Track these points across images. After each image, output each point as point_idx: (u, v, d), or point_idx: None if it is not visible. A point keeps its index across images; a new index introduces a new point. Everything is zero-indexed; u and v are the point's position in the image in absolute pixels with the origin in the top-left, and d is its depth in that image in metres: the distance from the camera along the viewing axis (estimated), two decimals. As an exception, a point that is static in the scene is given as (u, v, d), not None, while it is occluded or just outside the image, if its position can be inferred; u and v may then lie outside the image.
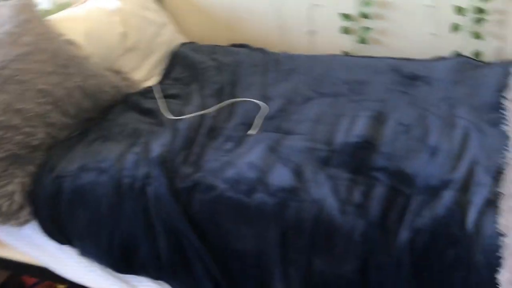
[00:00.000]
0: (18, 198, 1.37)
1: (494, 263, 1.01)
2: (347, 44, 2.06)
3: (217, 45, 2.07)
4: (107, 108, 1.66)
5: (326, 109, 1.57)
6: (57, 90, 1.48)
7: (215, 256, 1.25)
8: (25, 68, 1.44)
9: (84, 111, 1.58)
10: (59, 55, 1.53)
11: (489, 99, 1.50)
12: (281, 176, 1.28)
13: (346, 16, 2.00)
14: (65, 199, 1.36)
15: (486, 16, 1.84)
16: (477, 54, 1.91)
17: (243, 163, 1.34)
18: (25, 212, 1.39)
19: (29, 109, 1.41)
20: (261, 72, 1.83)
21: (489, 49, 1.90)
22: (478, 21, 1.85)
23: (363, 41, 2.02)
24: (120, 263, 1.35)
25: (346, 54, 2.05)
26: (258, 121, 1.55)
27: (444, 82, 1.63)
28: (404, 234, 1.10)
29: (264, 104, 1.63)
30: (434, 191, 1.19)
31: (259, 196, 1.24)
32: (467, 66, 1.70)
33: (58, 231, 1.40)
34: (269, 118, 1.56)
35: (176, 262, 1.28)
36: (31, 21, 1.52)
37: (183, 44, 2.04)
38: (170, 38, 2.04)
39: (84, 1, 1.95)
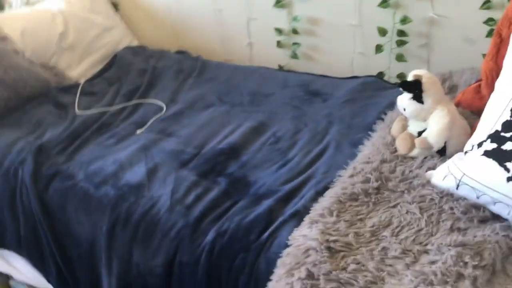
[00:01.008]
0: None
1: (272, 271, 1.05)
2: (282, 58, 2.11)
3: (161, 50, 2.18)
4: (30, 99, 1.81)
5: (217, 117, 1.64)
6: (-27, 78, 1.65)
7: (61, 241, 1.35)
8: None
9: (3, 99, 1.73)
10: (-18, 47, 1.71)
11: (369, 119, 1.50)
12: (135, 173, 1.37)
13: (280, 31, 2.05)
14: (-44, 174, 1.52)
15: (409, 39, 1.84)
16: (401, 76, 1.91)
17: (111, 158, 1.45)
18: None
19: None
20: (182, 77, 1.92)
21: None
22: (401, 43, 1.85)
23: (294, 56, 2.06)
24: (-7, 238, 1.49)
25: (281, 68, 2.10)
26: (150, 122, 1.64)
27: (339, 100, 1.65)
28: (210, 236, 1.16)
29: (164, 107, 1.72)
30: (258, 199, 1.24)
31: (105, 189, 1.33)
32: (372, 86, 1.71)
33: None
34: (161, 120, 1.65)
35: (31, 243, 1.40)
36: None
37: (127, 47, 2.17)
38: (116, 40, 2.17)
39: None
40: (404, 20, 1.79)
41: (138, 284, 1.23)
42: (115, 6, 2.31)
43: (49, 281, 1.42)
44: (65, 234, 1.34)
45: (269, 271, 1.05)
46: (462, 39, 1.78)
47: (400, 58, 1.88)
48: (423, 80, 1.25)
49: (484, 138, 1.05)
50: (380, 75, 1.92)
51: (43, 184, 1.39)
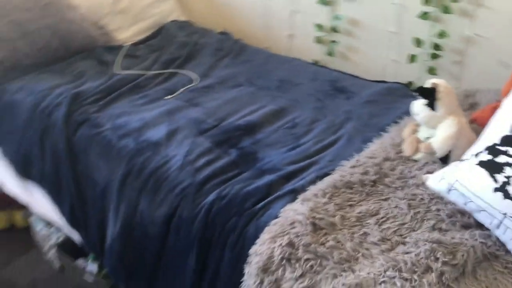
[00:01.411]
0: (-31, 98, 1.70)
1: (259, 237, 1.12)
2: (319, 53, 2.17)
3: (205, 29, 2.28)
4: (76, 52, 1.94)
5: (244, 96, 1.73)
6: (29, 24, 1.80)
7: (79, 181, 1.47)
8: (7, 0, 1.77)
9: (52, 48, 1.88)
10: (42, -3, 1.85)
11: (386, 121, 1.55)
12: (156, 132, 1.48)
13: (320, 27, 2.12)
14: (1, 107, 1.67)
15: (443, 53, 1.87)
16: (430, 89, 1.93)
17: (137, 116, 1.56)
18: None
19: (-2, 32, 1.74)
20: (220, 56, 2.02)
21: (442, 87, 1.91)
22: (435, 56, 1.88)
23: (330, 53, 2.12)
24: (21, 169, 1.63)
25: (316, 63, 2.17)
26: (181, 91, 1.74)
27: (362, 100, 1.70)
28: (210, 197, 1.25)
29: (198, 79, 1.82)
30: (261, 173, 1.31)
31: (126, 141, 1.44)
32: (397, 92, 1.75)
33: (-10, 132, 1.71)
34: (191, 90, 1.75)
35: (53, 179, 1.53)
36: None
37: (175, 21, 2.29)
38: (166, 12, 2.29)
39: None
40: (441, 35, 1.83)
41: (139, 230, 1.33)
42: (171, -19, 2.43)
43: (62, 216, 1.55)
44: (84, 176, 1.46)
45: (256, 236, 1.12)
46: (497, 61, 1.80)
47: (431, 71, 1.91)
48: (439, 89, 1.29)
49: (482, 149, 1.09)
50: (409, 84, 1.96)
51: (72, 128, 1.51)
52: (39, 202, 1.69)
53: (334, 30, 2.08)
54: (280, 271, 1.02)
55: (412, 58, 1.92)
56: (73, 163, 1.48)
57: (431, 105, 1.30)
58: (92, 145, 1.47)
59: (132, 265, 1.37)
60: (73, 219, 1.51)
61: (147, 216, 1.32)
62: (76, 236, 1.60)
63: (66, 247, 1.96)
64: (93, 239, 1.47)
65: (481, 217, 1.06)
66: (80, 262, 1.92)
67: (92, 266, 1.89)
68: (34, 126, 1.58)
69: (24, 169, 1.62)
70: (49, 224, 2.04)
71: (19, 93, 1.66)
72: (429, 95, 1.30)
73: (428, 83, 1.33)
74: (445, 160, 1.28)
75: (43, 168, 1.55)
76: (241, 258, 1.12)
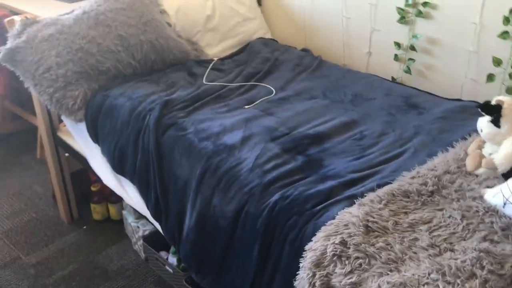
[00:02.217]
0: (79, 102, 1.97)
1: (315, 235, 1.22)
2: (396, 71, 2.22)
3: (288, 46, 2.43)
4: (170, 65, 2.17)
5: (316, 108, 1.83)
6: (131, 39, 2.05)
7: (163, 177, 1.66)
8: (115, 17, 2.04)
9: (150, 60, 2.11)
10: (144, 15, 2.10)
11: (455, 137, 1.58)
12: (232, 137, 1.63)
13: (399, 45, 2.17)
14: (103, 111, 1.92)
15: (523, 74, 1.85)
16: (509, 109, 1.91)
17: (218, 122, 1.72)
18: (81, 113, 1.98)
19: (106, 45, 2.00)
20: (298, 71, 2.14)
21: (522, 107, 1.88)
22: (514, 76, 1.87)
23: (408, 70, 2.16)
24: (117, 165, 1.86)
25: (393, 80, 2.22)
26: (259, 101, 1.89)
27: (433, 116, 1.74)
28: (275, 197, 1.37)
29: (275, 91, 1.96)
30: (324, 178, 1.41)
31: (206, 143, 1.61)
32: (470, 110, 1.76)
33: (94, 132, 1.96)
34: (268, 101, 1.89)
35: (142, 174, 1.74)
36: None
37: (260, 38, 2.46)
38: (253, 30, 2.47)
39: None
40: (521, 54, 1.81)
41: (212, 222, 1.48)
42: (259, 1, 2.61)
43: (147, 207, 1.75)
44: (168, 172, 1.65)
45: (313, 234, 1.22)
46: None
47: (510, 91, 1.89)
48: (504, 106, 1.31)
49: (540, 166, 1.11)
50: (487, 103, 1.95)
51: (162, 130, 1.71)
52: (131, 195, 1.91)
53: (412, 48, 2.12)
54: (331, 266, 1.11)
55: (490, 78, 1.91)
56: (160, 161, 1.67)
57: (495, 121, 1.32)
58: (176, 145, 1.66)
59: (203, 253, 1.53)
60: (156, 211, 1.70)
61: (219, 210, 1.46)
62: (159, 228, 1.79)
63: (151, 239, 2.18)
64: (172, 229, 1.65)
65: (535, 232, 1.08)
66: (162, 254, 2.12)
67: (172, 259, 2.08)
68: (130, 128, 1.80)
69: (120, 165, 1.85)
70: (138, 218, 2.28)
71: (120, 99, 1.90)
72: (493, 111, 1.33)
73: (493, 100, 1.35)
74: (507, 177, 1.29)
75: (135, 164, 1.77)
76: (299, 253, 1.22)
